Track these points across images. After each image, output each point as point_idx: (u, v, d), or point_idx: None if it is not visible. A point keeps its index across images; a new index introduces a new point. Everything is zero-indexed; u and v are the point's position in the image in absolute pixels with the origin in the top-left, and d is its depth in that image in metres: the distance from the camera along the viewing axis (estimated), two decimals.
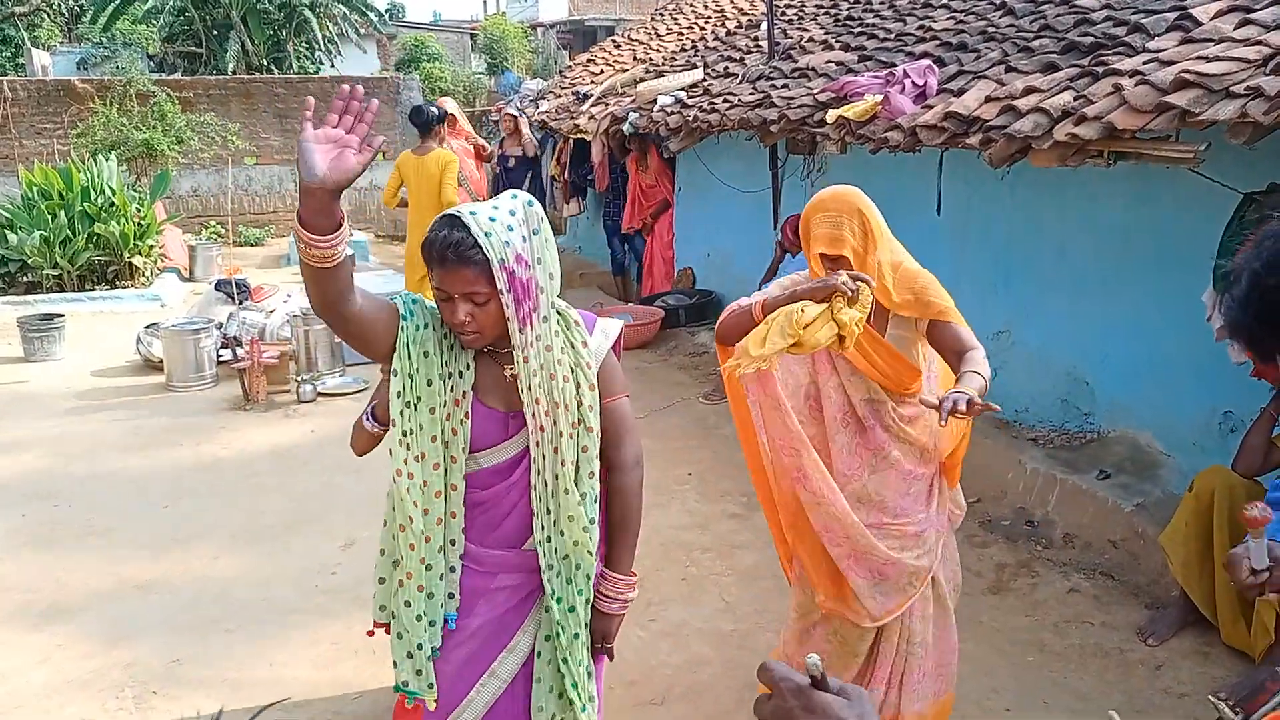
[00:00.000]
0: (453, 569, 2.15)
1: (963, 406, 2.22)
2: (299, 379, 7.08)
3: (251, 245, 13.86)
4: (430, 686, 2.17)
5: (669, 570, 4.36)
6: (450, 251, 1.92)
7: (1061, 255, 5.12)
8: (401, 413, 2.04)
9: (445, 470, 2.08)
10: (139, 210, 10.67)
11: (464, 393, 2.07)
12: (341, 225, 1.85)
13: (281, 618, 4.08)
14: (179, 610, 4.15)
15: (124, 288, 10.35)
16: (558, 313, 2.13)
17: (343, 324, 1.98)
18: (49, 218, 9.96)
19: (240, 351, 7.11)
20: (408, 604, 2.12)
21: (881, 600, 2.79)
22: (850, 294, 2.40)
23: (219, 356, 7.46)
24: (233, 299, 8.59)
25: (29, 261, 9.96)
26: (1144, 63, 3.85)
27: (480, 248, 1.91)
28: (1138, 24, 4.30)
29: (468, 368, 2.08)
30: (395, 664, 2.18)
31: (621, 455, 2.25)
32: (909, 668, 2.87)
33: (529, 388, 2.04)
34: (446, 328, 2.06)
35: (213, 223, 13.89)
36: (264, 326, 7.75)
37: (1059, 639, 3.76)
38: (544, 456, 2.08)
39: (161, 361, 7.46)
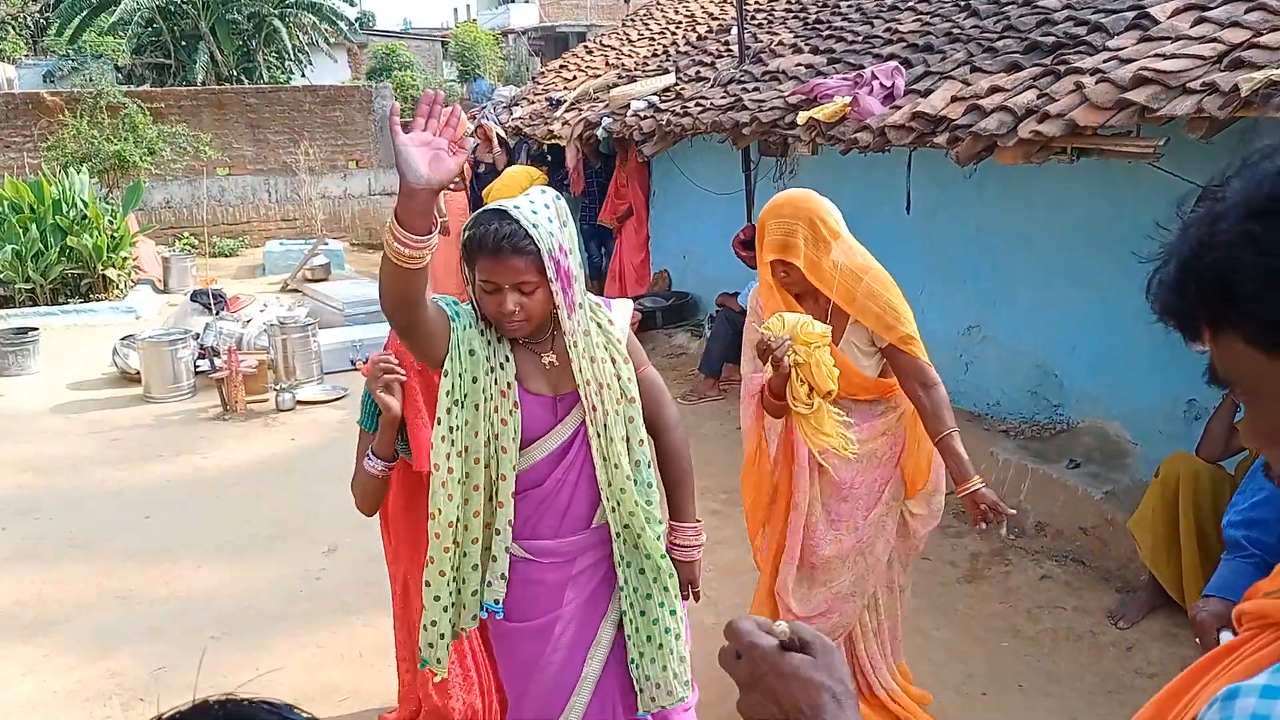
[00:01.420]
0: (494, 558, 2.21)
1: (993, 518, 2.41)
2: (278, 388, 7.09)
3: (226, 256, 13.81)
4: (439, 661, 2.25)
5: None
6: (505, 243, 2.00)
7: (1029, 250, 5.23)
8: (449, 410, 2.12)
9: (496, 462, 2.15)
10: (112, 223, 10.64)
11: (509, 383, 2.15)
12: (435, 227, 1.92)
13: (266, 624, 4.10)
14: (163, 619, 4.16)
15: (98, 300, 10.30)
16: None
17: (416, 325, 2.05)
18: (20, 231, 9.91)
19: (218, 362, 7.11)
20: (428, 584, 2.20)
21: (820, 624, 2.89)
22: (783, 350, 2.53)
23: (196, 367, 7.46)
24: (209, 309, 8.58)
25: (1, 276, 9.90)
26: (1104, 61, 3.96)
27: (532, 239, 2.01)
28: (1098, 23, 4.41)
29: (508, 359, 2.17)
30: (421, 636, 2.27)
31: (664, 418, 2.38)
32: (858, 653, 3.00)
33: (580, 370, 2.14)
34: (484, 323, 2.16)
35: (186, 234, 13.83)
36: (241, 336, 7.74)
37: (1032, 624, 3.85)
38: (598, 435, 2.18)
39: (139, 373, 7.45)
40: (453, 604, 2.23)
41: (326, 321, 8.68)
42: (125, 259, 10.78)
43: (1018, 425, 5.28)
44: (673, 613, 2.31)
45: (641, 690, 2.30)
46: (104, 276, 10.43)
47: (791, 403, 2.62)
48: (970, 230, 5.62)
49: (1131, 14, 4.33)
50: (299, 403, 7.05)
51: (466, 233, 2.08)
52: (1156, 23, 4.12)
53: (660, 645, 2.29)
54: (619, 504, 2.22)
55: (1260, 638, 0.79)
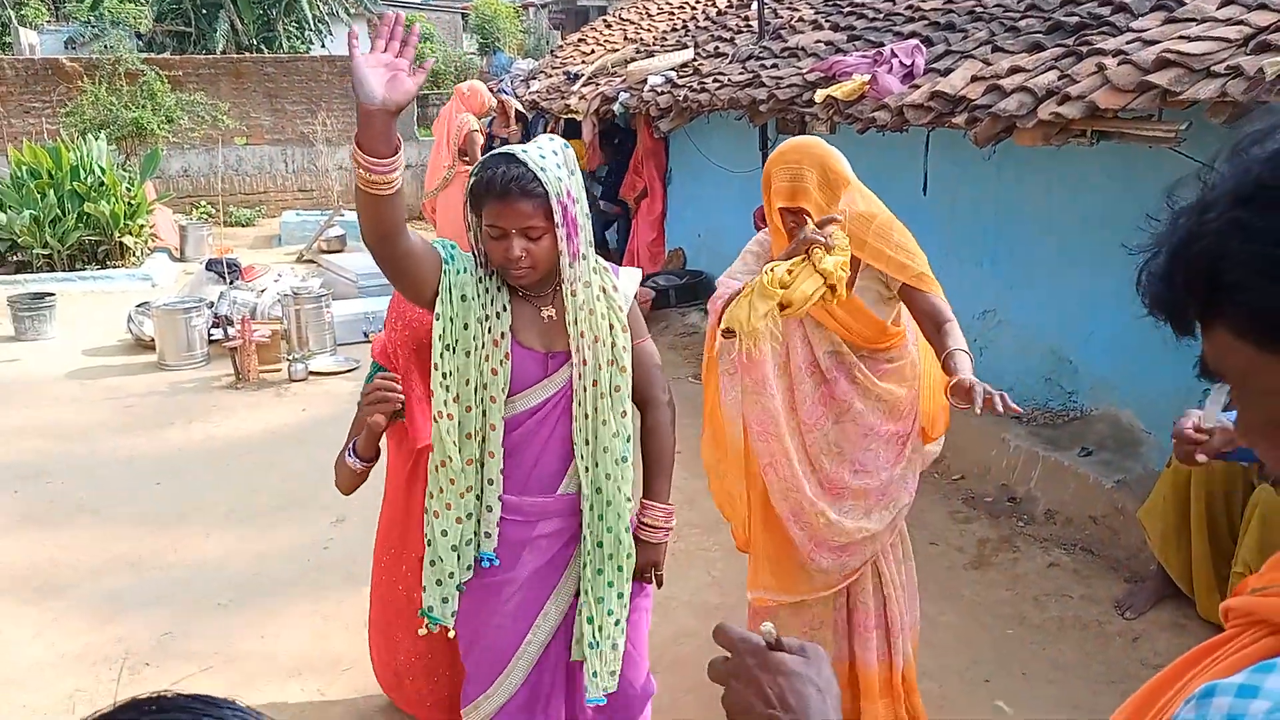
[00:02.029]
0: (489, 508, 2.20)
1: (997, 404, 2.29)
2: (290, 358, 7.11)
3: (242, 225, 13.83)
4: (452, 615, 2.24)
5: None
6: (513, 185, 1.98)
7: (1047, 234, 5.16)
8: (441, 355, 2.11)
9: (485, 411, 2.13)
10: (129, 190, 10.66)
11: (502, 334, 2.12)
12: (399, 150, 1.88)
13: (273, 592, 4.12)
14: (171, 586, 4.19)
15: (114, 267, 10.34)
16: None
17: (396, 260, 2.03)
18: (38, 197, 9.94)
19: (232, 330, 7.13)
20: (444, 533, 2.19)
21: (843, 568, 2.83)
22: (824, 243, 2.40)
23: (210, 335, 7.48)
24: (224, 278, 8.60)
25: (19, 241, 9.94)
26: (1127, 42, 3.89)
27: (540, 182, 1.99)
28: (1122, 3, 4.33)
29: (505, 309, 2.14)
30: (424, 589, 2.24)
31: (654, 392, 2.37)
32: (890, 611, 2.90)
33: (575, 321, 2.11)
34: (482, 271, 2.13)
35: (203, 203, 13.85)
36: (255, 305, 7.76)
37: (1039, 612, 3.82)
38: (584, 389, 2.15)
39: (153, 340, 7.48)
40: (462, 555, 2.21)
41: (340, 293, 8.69)
42: (142, 226, 10.80)
43: (1030, 411, 5.23)
44: (619, 595, 2.27)
45: (593, 674, 2.26)
46: (121, 244, 10.47)
47: (764, 272, 2.43)
48: (988, 213, 5.56)
49: None
50: (311, 373, 7.07)
51: (473, 177, 2.06)
52: (1182, 3, 4.04)
53: (600, 628, 2.25)
54: (596, 464, 2.18)
55: (1244, 635, 0.77)
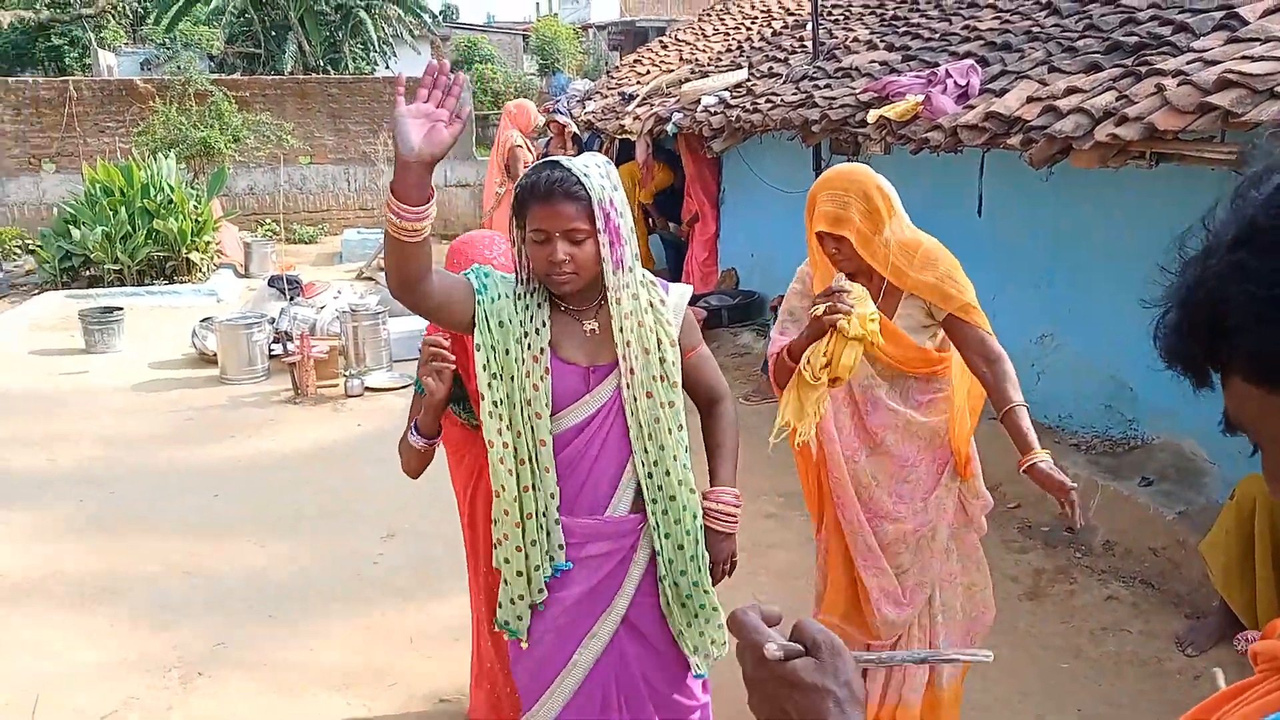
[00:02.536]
0: (557, 521, 2.21)
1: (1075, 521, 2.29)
2: (347, 374, 7.23)
3: (305, 243, 14.12)
4: (527, 629, 2.28)
5: None
6: (556, 186, 2.02)
7: (1106, 257, 5.06)
8: (489, 385, 2.12)
9: (533, 429, 2.15)
10: (196, 207, 10.94)
11: (541, 349, 2.14)
12: (431, 199, 1.92)
13: (322, 605, 4.18)
14: (224, 595, 4.27)
15: (181, 283, 10.61)
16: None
17: (423, 300, 2.05)
18: (110, 214, 10.26)
19: (291, 346, 7.27)
20: (507, 561, 2.22)
21: (899, 622, 2.80)
22: (844, 312, 2.38)
23: (271, 351, 7.64)
24: (285, 295, 8.78)
25: (91, 256, 10.26)
26: (1188, 62, 3.80)
27: (583, 185, 2.02)
28: (1183, 23, 4.24)
29: (544, 324, 2.15)
30: (500, 605, 2.29)
31: (718, 388, 2.38)
32: (934, 634, 2.85)
33: (620, 329, 2.11)
34: (523, 288, 2.16)
35: (268, 220, 14.18)
36: (314, 322, 7.91)
37: (1094, 646, 3.72)
38: (635, 399, 2.14)
39: (215, 355, 7.65)
40: (530, 578, 2.23)
41: (397, 310, 8.79)
42: (208, 243, 11.08)
43: (1089, 439, 5.12)
44: (706, 589, 2.28)
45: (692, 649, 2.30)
46: (188, 259, 10.75)
47: (803, 366, 2.47)
48: (1045, 235, 5.46)
49: (1220, 14, 4.15)
50: (367, 389, 7.17)
51: (519, 185, 2.09)
52: (1246, 23, 3.94)
53: (700, 608, 2.26)
54: (656, 463, 2.18)
55: (1270, 680, 0.75)
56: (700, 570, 2.26)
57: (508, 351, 2.12)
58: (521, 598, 2.23)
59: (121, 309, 8.74)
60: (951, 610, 2.88)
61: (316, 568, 4.51)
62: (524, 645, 2.29)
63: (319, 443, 6.20)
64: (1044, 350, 5.50)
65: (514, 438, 2.14)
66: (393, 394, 7.16)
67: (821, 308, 2.41)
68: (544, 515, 2.19)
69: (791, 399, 2.51)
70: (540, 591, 2.23)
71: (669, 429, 2.17)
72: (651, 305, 2.19)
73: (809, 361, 2.44)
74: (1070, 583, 4.18)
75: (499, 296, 2.15)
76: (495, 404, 2.13)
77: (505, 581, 2.24)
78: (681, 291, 2.31)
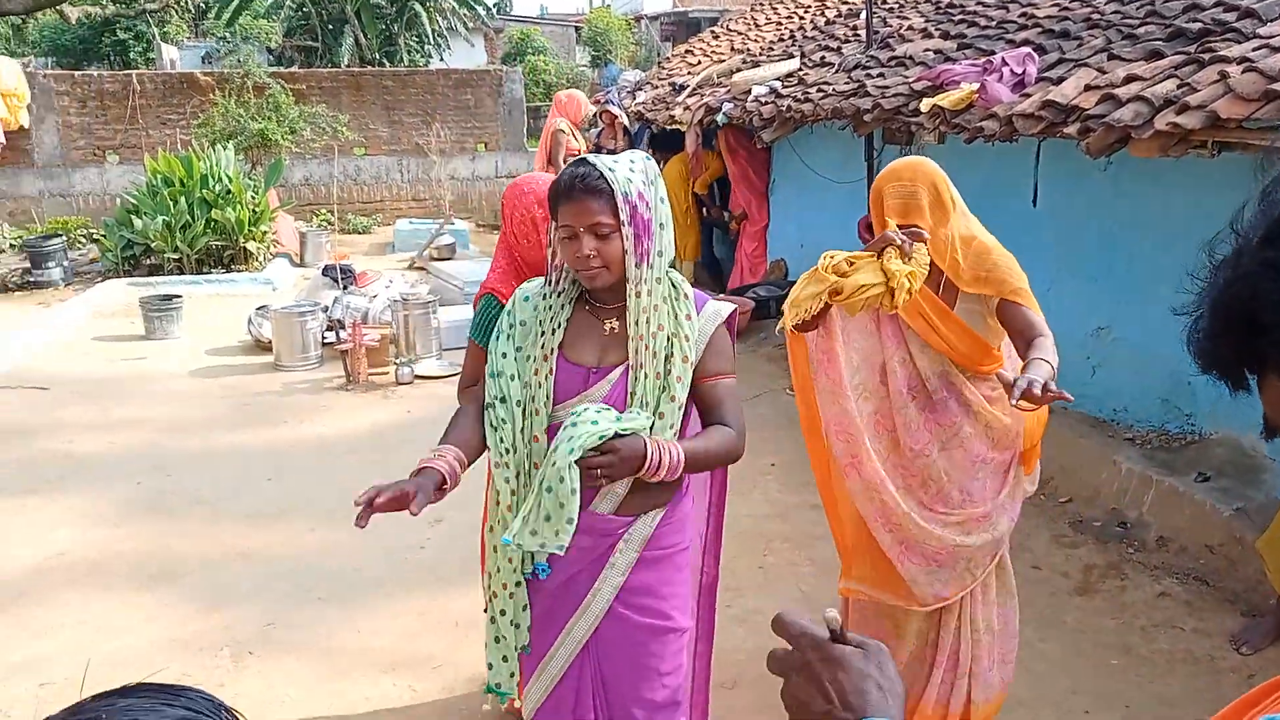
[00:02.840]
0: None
1: (1036, 390, 2.18)
2: (398, 361, 7.32)
3: (359, 233, 14.30)
4: (515, 682, 2.35)
5: (746, 558, 4.38)
6: (578, 182, 2.06)
7: (1166, 249, 4.94)
8: (492, 379, 2.24)
9: (530, 424, 2.20)
10: (254, 198, 11.13)
11: (551, 350, 2.18)
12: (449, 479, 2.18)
13: (371, 589, 4.24)
14: (275, 578, 4.35)
15: (238, 271, 10.81)
16: (671, 282, 2.20)
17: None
18: (171, 204, 10.47)
19: (344, 334, 7.38)
20: (503, 612, 2.29)
21: (938, 587, 2.76)
22: (902, 245, 2.36)
23: (324, 339, 7.76)
24: (338, 284, 8.91)
25: (152, 245, 10.49)
26: (1254, 49, 3.70)
27: (605, 180, 2.05)
28: (1249, 9, 4.12)
29: (562, 325, 2.20)
30: (490, 666, 2.32)
31: (731, 420, 2.21)
32: (977, 654, 2.82)
33: (636, 323, 2.12)
34: (549, 287, 2.22)
35: (322, 210, 14.37)
36: (366, 310, 8.02)
37: (1146, 643, 3.65)
38: (633, 396, 2.14)
39: (270, 342, 7.79)
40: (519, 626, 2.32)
41: (447, 299, 8.90)
42: (265, 233, 11.26)
43: (1145, 434, 5.01)
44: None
45: None
46: (245, 249, 10.94)
47: (824, 256, 2.45)
48: (1103, 225, 5.35)
49: None
50: (417, 377, 7.26)
51: (551, 186, 2.14)
52: None
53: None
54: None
55: None
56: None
57: (519, 349, 2.20)
58: (505, 660, 2.31)
59: (180, 297, 8.93)
60: (978, 630, 2.84)
61: (366, 552, 4.57)
62: (518, 704, 2.38)
63: (370, 429, 6.29)
64: (1100, 343, 5.40)
65: (511, 434, 2.19)
66: (442, 381, 7.23)
67: (894, 227, 2.43)
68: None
69: (799, 284, 2.52)
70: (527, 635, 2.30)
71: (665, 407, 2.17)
72: (675, 316, 2.16)
73: (833, 256, 2.43)
74: (1122, 579, 4.10)
75: (520, 302, 2.26)
76: (495, 400, 2.20)
77: (500, 637, 2.30)
78: (715, 312, 2.22)
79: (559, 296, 2.22)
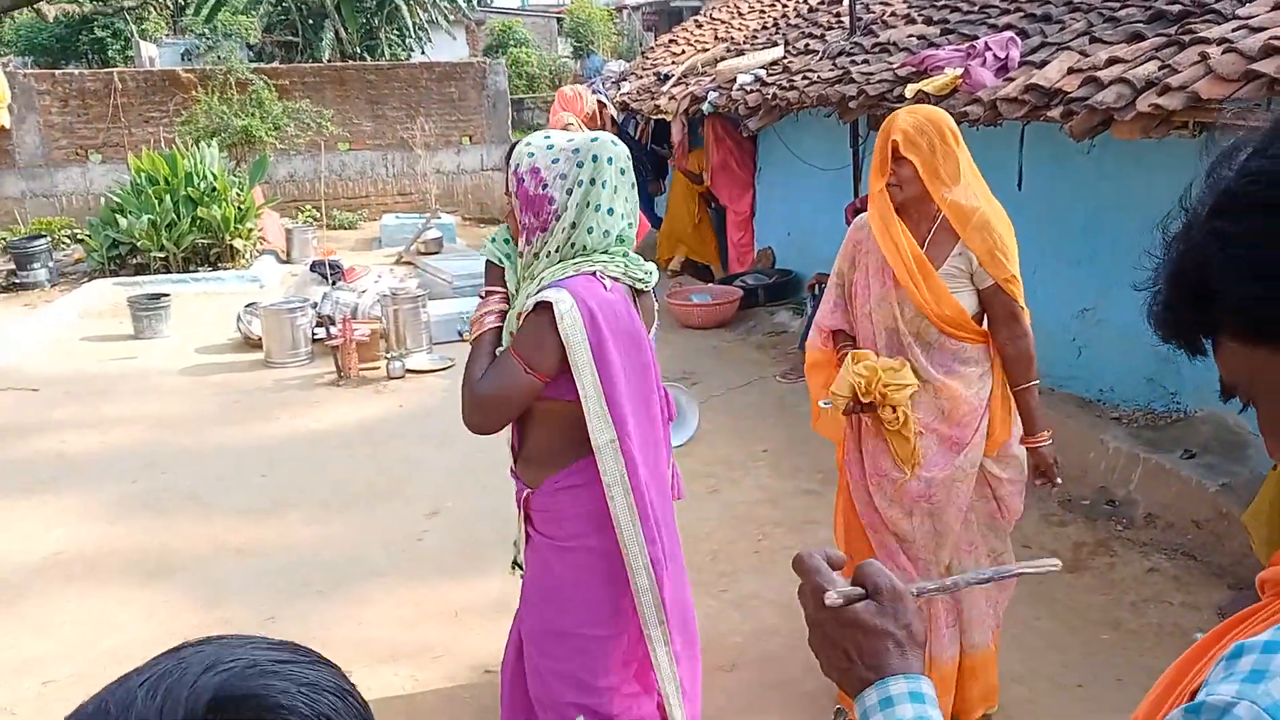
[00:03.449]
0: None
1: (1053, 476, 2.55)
2: (389, 356, 7.33)
3: (345, 228, 14.27)
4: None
5: (741, 543, 4.42)
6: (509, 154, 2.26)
7: (1150, 230, 4.93)
8: None
9: None
10: (239, 195, 11.09)
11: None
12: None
13: (369, 581, 4.27)
14: (273, 572, 4.37)
15: (225, 269, 10.78)
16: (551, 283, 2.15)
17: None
18: (156, 203, 10.43)
19: (334, 330, 7.38)
20: None
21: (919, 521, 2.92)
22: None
23: (314, 334, 7.75)
24: (326, 279, 8.91)
25: (138, 244, 10.44)
26: (1233, 30, 3.75)
27: (512, 153, 2.21)
28: None
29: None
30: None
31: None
32: (969, 601, 2.90)
33: (516, 293, 2.27)
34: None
35: (308, 206, 14.33)
36: (356, 306, 8.01)
37: (1136, 618, 3.71)
38: None
39: (260, 339, 7.78)
40: None
41: (437, 293, 8.91)
42: (251, 230, 11.23)
43: (1131, 413, 5.08)
44: None
45: None
46: (231, 246, 10.91)
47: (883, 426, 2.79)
48: (1087, 208, 5.40)
49: None
50: (408, 371, 7.27)
51: None
52: None
53: None
54: None
55: (1276, 604, 0.77)
56: None
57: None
58: None
59: (168, 295, 8.90)
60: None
61: (363, 545, 4.60)
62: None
63: (362, 423, 6.31)
64: (1085, 324, 5.46)
65: None
66: (433, 375, 7.25)
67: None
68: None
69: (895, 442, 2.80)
70: None
71: None
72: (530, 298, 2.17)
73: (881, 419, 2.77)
74: (1111, 555, 4.17)
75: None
76: None
77: None
78: (544, 297, 2.13)
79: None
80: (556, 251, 2.17)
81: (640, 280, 2.25)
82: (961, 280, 2.71)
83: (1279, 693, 0.66)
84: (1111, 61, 4.13)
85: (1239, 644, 0.70)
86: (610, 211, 2.17)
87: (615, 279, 2.19)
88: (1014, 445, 2.89)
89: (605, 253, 2.19)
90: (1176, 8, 4.37)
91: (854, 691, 0.93)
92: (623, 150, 2.21)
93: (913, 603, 0.95)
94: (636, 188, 2.28)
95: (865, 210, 2.86)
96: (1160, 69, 3.83)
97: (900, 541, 2.89)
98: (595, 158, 2.15)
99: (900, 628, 0.92)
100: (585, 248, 2.17)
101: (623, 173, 2.19)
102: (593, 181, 2.15)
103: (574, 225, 2.16)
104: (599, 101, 9.51)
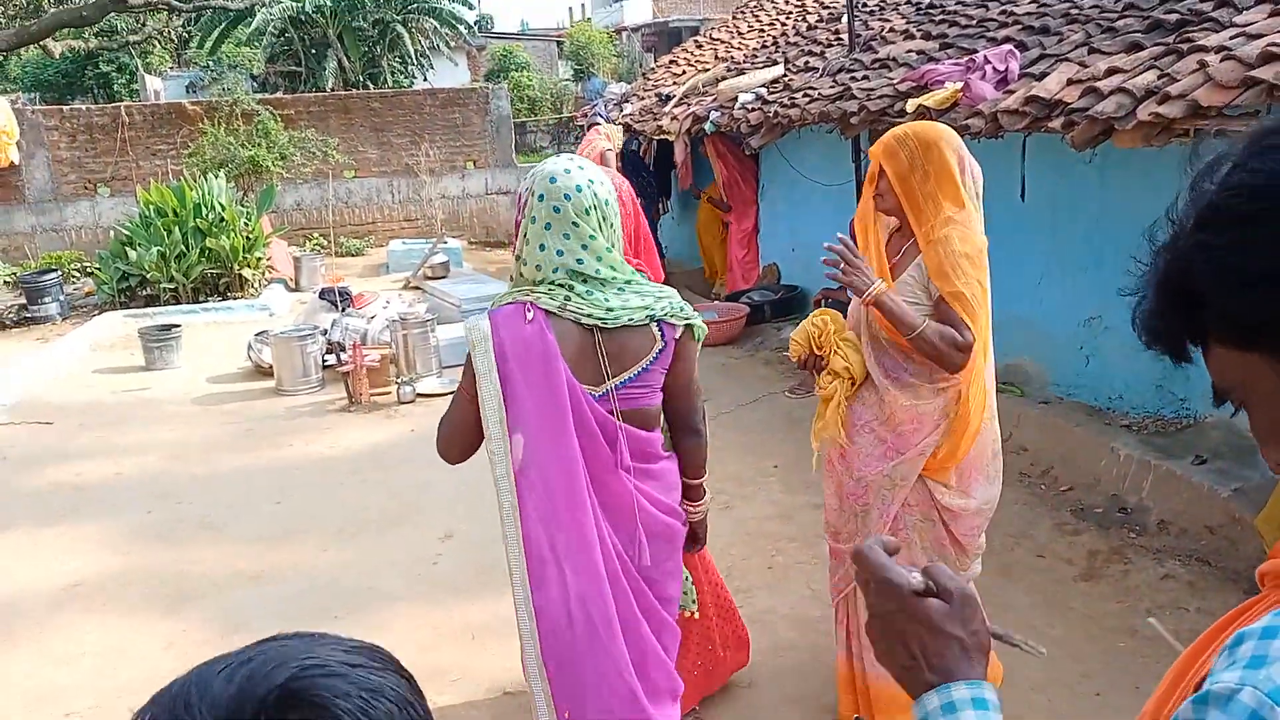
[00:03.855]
0: None
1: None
2: (399, 381, 7.37)
3: (352, 255, 14.36)
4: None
5: (754, 559, 4.43)
6: None
7: (1155, 237, 5.01)
8: None
9: None
10: (247, 224, 11.18)
11: None
12: None
13: (385, 606, 4.28)
14: (290, 599, 4.39)
15: (234, 298, 10.85)
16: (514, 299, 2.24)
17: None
18: (165, 234, 10.53)
19: (344, 356, 7.42)
20: None
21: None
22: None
23: (324, 361, 7.79)
24: (336, 306, 8.96)
25: (148, 276, 10.53)
26: (1231, 37, 3.78)
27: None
28: None
29: None
30: None
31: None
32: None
33: None
34: None
35: (316, 234, 14.43)
36: (365, 332, 8.06)
37: None
38: None
39: (271, 367, 7.83)
40: None
41: (445, 317, 8.95)
42: (260, 259, 11.32)
43: (1141, 420, 5.09)
44: None
45: None
46: (240, 276, 10.99)
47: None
48: (1090, 217, 5.43)
49: None
50: (419, 395, 7.31)
51: None
52: None
53: None
54: None
55: (1275, 594, 0.80)
56: None
57: None
58: None
59: (179, 326, 8.96)
60: None
61: (378, 570, 4.62)
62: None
63: (375, 448, 6.34)
64: (1093, 333, 5.47)
65: None
66: (444, 399, 7.28)
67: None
68: None
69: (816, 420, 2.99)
70: None
71: None
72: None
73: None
74: (1125, 563, 4.17)
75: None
76: None
77: None
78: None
79: None
80: (519, 276, 2.28)
81: (588, 316, 2.19)
82: (916, 290, 2.74)
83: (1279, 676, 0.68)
84: (1111, 71, 4.17)
85: (1240, 632, 0.73)
86: (542, 247, 2.19)
87: (551, 312, 2.18)
88: (977, 487, 2.89)
89: (550, 284, 2.21)
90: (1174, 17, 4.41)
91: (916, 692, 0.91)
92: (563, 187, 2.18)
93: (981, 611, 0.94)
94: (609, 222, 2.24)
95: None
96: (1159, 78, 3.86)
97: (829, 529, 3.10)
98: (533, 192, 2.21)
99: (970, 634, 0.92)
100: (524, 277, 2.25)
101: (556, 210, 2.17)
102: (532, 219, 2.21)
103: (516, 256, 2.27)
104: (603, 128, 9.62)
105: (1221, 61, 3.62)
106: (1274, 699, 0.67)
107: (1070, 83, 4.38)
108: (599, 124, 9.79)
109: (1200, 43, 3.91)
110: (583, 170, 2.23)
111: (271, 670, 0.69)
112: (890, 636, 0.93)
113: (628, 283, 2.24)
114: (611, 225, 2.24)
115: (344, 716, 0.67)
